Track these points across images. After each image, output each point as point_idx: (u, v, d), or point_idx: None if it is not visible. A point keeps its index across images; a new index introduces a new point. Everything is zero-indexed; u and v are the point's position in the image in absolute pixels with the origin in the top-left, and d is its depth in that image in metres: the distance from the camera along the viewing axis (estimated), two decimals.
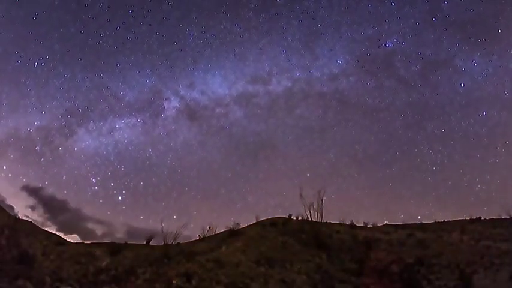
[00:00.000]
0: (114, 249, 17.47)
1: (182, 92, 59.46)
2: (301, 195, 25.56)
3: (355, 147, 58.18)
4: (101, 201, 47.25)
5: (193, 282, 14.20)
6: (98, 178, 49.93)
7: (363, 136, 57.26)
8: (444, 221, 35.07)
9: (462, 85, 52.22)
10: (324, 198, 25.57)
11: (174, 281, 13.94)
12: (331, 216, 30.24)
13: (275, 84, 58.30)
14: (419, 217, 50.71)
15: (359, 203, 51.55)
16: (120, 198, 48.86)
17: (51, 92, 56.50)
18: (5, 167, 45.10)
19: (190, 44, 58.33)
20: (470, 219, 33.64)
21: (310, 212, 25.47)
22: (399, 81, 54.68)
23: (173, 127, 56.34)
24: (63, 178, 49.56)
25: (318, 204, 25.36)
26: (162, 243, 18.70)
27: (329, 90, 56.15)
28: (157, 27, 57.17)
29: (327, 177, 52.97)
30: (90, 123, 53.48)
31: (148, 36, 57.67)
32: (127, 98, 55.06)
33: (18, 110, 50.98)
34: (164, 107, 55.07)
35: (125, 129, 54.91)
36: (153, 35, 56.41)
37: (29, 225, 20.80)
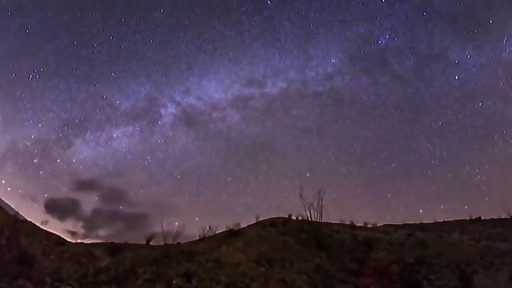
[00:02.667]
0: (114, 249, 17.45)
1: (178, 98, 59.13)
2: (301, 195, 25.64)
3: (353, 145, 58.33)
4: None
5: (193, 282, 14.19)
6: (98, 188, 49.65)
7: (360, 133, 57.40)
8: (444, 221, 35.14)
9: (456, 77, 52.48)
10: (324, 198, 25.68)
11: (174, 281, 13.93)
12: (331, 216, 30.30)
13: (270, 86, 58.32)
14: (421, 211, 51.08)
15: (360, 201, 51.76)
16: (120, 207, 48.63)
17: (47, 104, 55.97)
18: (4, 182, 44.67)
19: (184, 50, 58.23)
20: (470, 219, 33.69)
21: (310, 212, 25.54)
22: (393, 77, 54.86)
23: (171, 134, 56.14)
24: (63, 190, 49.32)
25: (318, 204, 25.43)
26: (162, 243, 18.69)
27: (324, 89, 56.27)
28: (150, 34, 57.06)
29: (327, 177, 53.07)
30: (87, 134, 52.83)
31: (142, 44, 57.57)
32: (123, 106, 54.68)
33: (15, 124, 50.26)
34: (161, 114, 54.81)
35: (122, 138, 54.49)
36: (147, 43, 56.24)
37: (29, 225, 20.77)
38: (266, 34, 57.41)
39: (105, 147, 52.86)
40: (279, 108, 56.86)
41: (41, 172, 47.44)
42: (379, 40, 54.38)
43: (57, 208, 42.92)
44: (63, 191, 51.73)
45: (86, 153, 51.55)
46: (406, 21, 54.78)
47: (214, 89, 60.10)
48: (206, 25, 56.97)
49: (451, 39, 54.82)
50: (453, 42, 55.59)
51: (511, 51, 49.45)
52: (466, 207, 51.28)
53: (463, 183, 51.65)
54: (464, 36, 53.33)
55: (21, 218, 19.59)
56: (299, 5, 56.30)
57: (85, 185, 47.56)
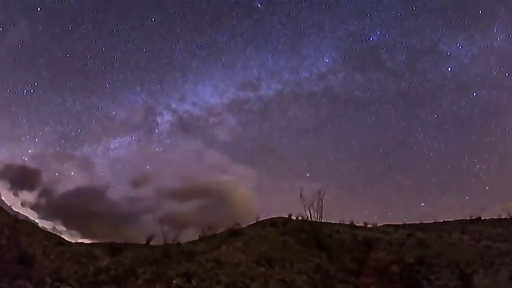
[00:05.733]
0: (114, 249, 17.47)
1: (174, 106, 59.52)
2: (301, 195, 25.65)
3: (351, 143, 58.79)
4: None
5: (193, 282, 14.19)
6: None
7: (357, 131, 57.91)
8: (444, 221, 35.12)
9: (449, 69, 52.97)
10: (324, 197, 25.72)
11: (174, 281, 13.93)
12: (331, 216, 30.23)
13: (265, 89, 59.12)
14: (422, 204, 50.98)
15: (361, 197, 51.88)
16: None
17: (42, 118, 56.10)
18: (3, 198, 44.12)
19: (178, 58, 58.82)
20: (470, 219, 33.69)
21: (310, 212, 25.55)
22: (387, 72, 55.34)
23: (168, 141, 55.98)
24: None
25: (318, 204, 25.44)
26: (162, 243, 18.68)
27: (319, 89, 56.71)
28: (143, 44, 57.77)
29: (326, 175, 53.12)
30: (85, 146, 52.71)
31: (135, 53, 58.30)
32: (119, 117, 54.75)
33: (12, 139, 50.07)
34: (157, 122, 54.92)
35: (120, 149, 54.46)
36: (140, 52, 56.57)
37: (29, 225, 20.79)
38: (258, 37, 58.25)
39: (103, 158, 52.41)
40: (275, 110, 57.39)
41: (40, 186, 46.79)
42: (371, 37, 55.00)
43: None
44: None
45: (84, 165, 51.18)
46: (396, 16, 55.29)
47: (209, 94, 60.52)
48: (198, 31, 57.59)
49: (442, 32, 55.42)
50: (444, 35, 56.21)
51: (502, 40, 49.93)
52: (467, 197, 51.04)
53: (462, 173, 52.07)
54: (454, 28, 53.96)
55: (21, 218, 19.63)
56: (289, 7, 56.83)
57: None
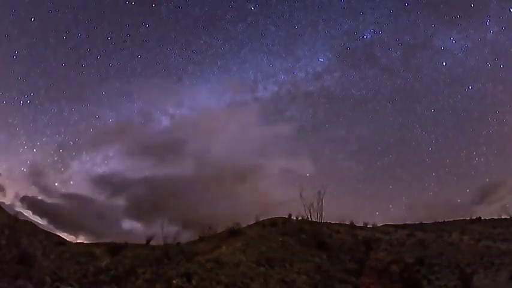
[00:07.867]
0: (114, 249, 17.47)
1: (171, 111, 59.13)
2: (301, 195, 25.65)
3: (349, 141, 58.46)
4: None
5: (193, 282, 14.20)
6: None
7: (355, 129, 57.70)
8: (444, 221, 35.04)
9: (444, 64, 53.11)
10: (324, 196, 25.71)
11: (174, 281, 13.94)
12: (332, 214, 30.15)
13: (262, 91, 59.46)
14: (423, 199, 50.56)
15: (361, 195, 51.76)
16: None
17: (40, 128, 55.64)
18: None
19: (173, 63, 58.83)
20: (470, 219, 33.66)
21: (310, 212, 25.55)
22: (382, 69, 55.39)
23: (167, 146, 55.34)
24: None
25: (318, 204, 25.45)
26: (162, 243, 18.67)
27: (315, 88, 56.72)
28: (138, 50, 57.84)
29: (326, 175, 52.92)
30: (83, 155, 52.03)
31: (130, 60, 58.44)
32: (117, 124, 54.04)
33: (9, 151, 49.01)
34: (156, 128, 54.21)
35: (119, 156, 53.69)
36: (135, 59, 56.44)
37: (29, 225, 20.79)
38: (252, 39, 58.49)
39: (102, 166, 52.09)
40: (272, 111, 57.35)
41: (39, 197, 46.40)
42: (364, 35, 55.03)
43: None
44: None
45: (83, 174, 50.98)
46: (389, 13, 55.51)
47: (206, 98, 60.40)
48: (192, 36, 57.89)
49: (435, 27, 55.49)
50: (437, 30, 56.37)
51: (496, 32, 49.97)
52: (468, 190, 50.59)
53: (462, 167, 52.17)
54: (447, 23, 54.15)
55: (21, 218, 19.64)
56: (282, 8, 56.92)
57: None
